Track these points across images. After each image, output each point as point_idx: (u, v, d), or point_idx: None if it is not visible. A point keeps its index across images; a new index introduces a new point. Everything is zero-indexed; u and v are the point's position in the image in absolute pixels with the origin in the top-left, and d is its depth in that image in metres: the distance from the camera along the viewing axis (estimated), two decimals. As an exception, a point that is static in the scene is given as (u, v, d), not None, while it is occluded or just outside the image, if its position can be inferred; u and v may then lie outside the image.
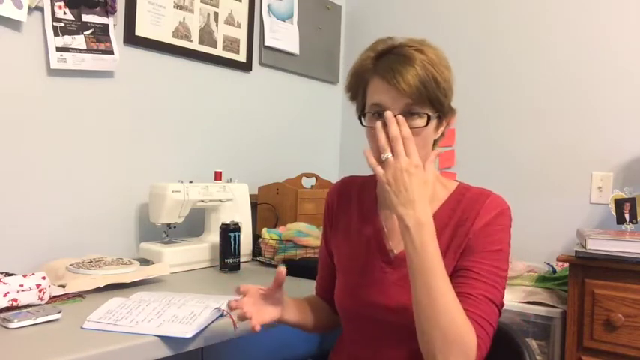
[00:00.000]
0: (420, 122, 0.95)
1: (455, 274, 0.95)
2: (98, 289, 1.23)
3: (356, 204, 1.13)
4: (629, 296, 1.43)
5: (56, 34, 1.49)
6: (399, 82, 0.92)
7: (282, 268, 1.03)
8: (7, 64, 1.42)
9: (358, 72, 1.02)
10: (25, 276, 1.09)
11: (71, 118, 1.56)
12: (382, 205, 1.10)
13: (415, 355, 0.99)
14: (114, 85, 1.65)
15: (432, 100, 0.94)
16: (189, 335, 0.99)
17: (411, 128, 0.93)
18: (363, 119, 1.01)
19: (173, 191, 1.57)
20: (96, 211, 1.62)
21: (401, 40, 0.98)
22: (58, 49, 1.50)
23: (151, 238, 1.67)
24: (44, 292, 1.11)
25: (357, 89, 1.03)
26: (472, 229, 0.97)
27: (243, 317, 0.97)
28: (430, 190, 1.03)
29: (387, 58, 0.96)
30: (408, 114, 0.94)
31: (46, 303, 1.11)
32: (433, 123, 0.97)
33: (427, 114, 0.95)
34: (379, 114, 0.95)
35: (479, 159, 2.17)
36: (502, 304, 0.96)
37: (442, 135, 1.04)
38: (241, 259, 1.59)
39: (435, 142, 1.04)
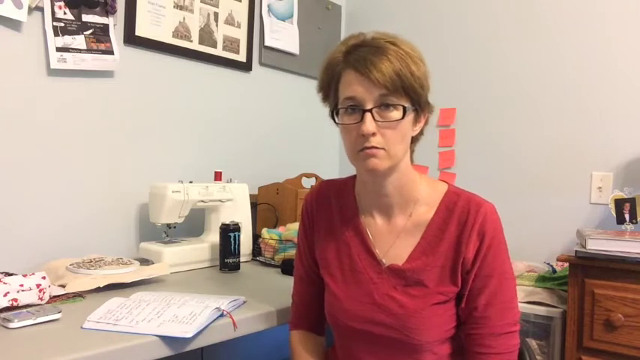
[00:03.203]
0: (397, 114, 0.91)
1: (470, 316, 0.97)
2: (98, 289, 1.23)
3: (336, 209, 1.09)
4: (629, 296, 1.43)
5: (56, 34, 1.49)
6: (371, 71, 0.89)
7: None
8: (7, 64, 1.42)
9: (328, 67, 0.97)
10: (25, 276, 1.09)
11: (71, 118, 1.56)
12: (363, 209, 1.06)
13: None
14: (114, 85, 1.65)
15: (408, 90, 0.91)
16: (189, 335, 0.99)
17: (387, 121, 0.91)
18: (336, 117, 0.97)
19: (173, 191, 1.57)
20: (96, 211, 1.62)
21: (372, 34, 0.95)
22: (58, 49, 1.50)
23: (151, 238, 1.67)
24: (44, 292, 1.11)
25: (328, 86, 0.98)
26: (468, 254, 0.95)
27: None
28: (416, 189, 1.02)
29: (359, 51, 0.93)
30: (384, 106, 0.91)
31: (46, 303, 1.11)
32: (410, 116, 0.94)
33: (403, 105, 0.91)
34: (352, 108, 0.92)
35: (479, 159, 2.16)
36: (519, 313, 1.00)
37: (421, 133, 1.01)
38: (241, 259, 1.59)
39: (414, 140, 1.00)
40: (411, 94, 0.92)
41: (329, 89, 0.99)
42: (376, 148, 0.91)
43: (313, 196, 1.13)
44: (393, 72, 0.89)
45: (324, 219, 1.09)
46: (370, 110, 0.90)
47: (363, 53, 0.91)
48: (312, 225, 1.11)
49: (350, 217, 1.06)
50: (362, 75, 0.90)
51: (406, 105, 0.92)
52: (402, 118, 0.92)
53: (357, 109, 0.92)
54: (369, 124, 0.90)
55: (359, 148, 0.92)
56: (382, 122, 0.91)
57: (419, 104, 0.95)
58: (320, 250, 1.09)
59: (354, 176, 1.09)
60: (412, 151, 1.03)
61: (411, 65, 0.91)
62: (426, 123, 1.00)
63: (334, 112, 0.97)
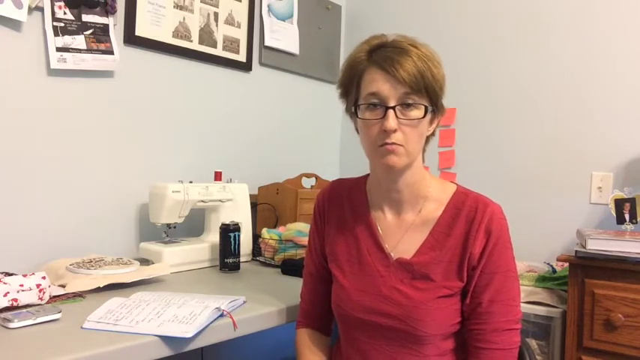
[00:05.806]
0: (418, 113, 0.94)
1: (474, 312, 0.98)
2: (98, 289, 1.23)
3: (348, 206, 1.11)
4: (629, 296, 1.43)
5: (56, 34, 1.49)
6: (397, 69, 0.92)
7: None
8: (7, 64, 1.42)
9: (352, 65, 1.00)
10: (25, 276, 1.09)
11: (71, 118, 1.56)
12: (373, 204, 1.09)
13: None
14: (114, 85, 1.66)
15: (429, 91, 0.94)
16: (189, 335, 0.99)
17: (408, 119, 0.94)
18: (357, 112, 0.99)
19: (173, 191, 1.57)
20: (96, 211, 1.62)
21: (394, 36, 0.99)
22: (58, 49, 1.50)
23: (151, 238, 1.67)
24: (44, 292, 1.11)
25: (350, 82, 1.01)
26: (475, 250, 0.97)
27: None
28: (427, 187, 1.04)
29: (383, 50, 0.96)
30: (405, 105, 0.94)
31: (46, 303, 1.11)
32: (428, 117, 0.97)
33: (424, 105, 0.95)
34: (374, 104, 0.95)
35: (479, 159, 2.17)
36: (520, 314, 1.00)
37: (433, 134, 1.04)
38: (241, 259, 1.59)
39: (426, 140, 1.03)
40: (431, 94, 0.95)
41: (350, 85, 1.01)
42: (396, 144, 0.94)
43: (325, 194, 1.15)
44: (417, 72, 0.92)
45: (336, 216, 1.12)
46: (393, 107, 0.93)
47: (387, 53, 0.95)
48: (324, 222, 1.14)
49: (361, 212, 1.09)
50: (387, 73, 0.93)
51: (427, 105, 0.95)
52: (423, 117, 0.95)
53: (379, 105, 0.94)
54: (392, 120, 0.93)
55: (379, 143, 0.95)
56: (404, 120, 0.94)
57: (436, 105, 0.98)
58: (330, 244, 1.11)
59: (366, 175, 1.12)
60: (424, 151, 1.06)
61: (432, 68, 0.95)
62: (437, 124, 1.03)
63: (354, 108, 1.00)
